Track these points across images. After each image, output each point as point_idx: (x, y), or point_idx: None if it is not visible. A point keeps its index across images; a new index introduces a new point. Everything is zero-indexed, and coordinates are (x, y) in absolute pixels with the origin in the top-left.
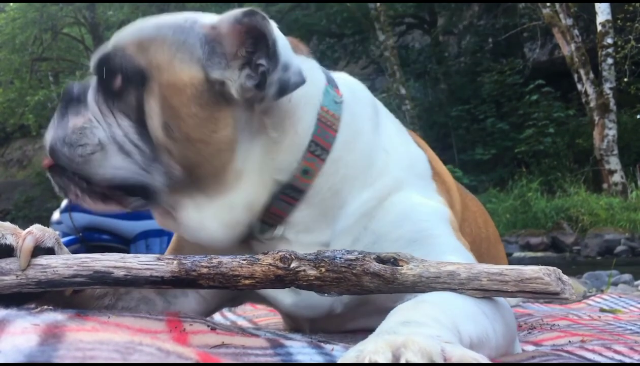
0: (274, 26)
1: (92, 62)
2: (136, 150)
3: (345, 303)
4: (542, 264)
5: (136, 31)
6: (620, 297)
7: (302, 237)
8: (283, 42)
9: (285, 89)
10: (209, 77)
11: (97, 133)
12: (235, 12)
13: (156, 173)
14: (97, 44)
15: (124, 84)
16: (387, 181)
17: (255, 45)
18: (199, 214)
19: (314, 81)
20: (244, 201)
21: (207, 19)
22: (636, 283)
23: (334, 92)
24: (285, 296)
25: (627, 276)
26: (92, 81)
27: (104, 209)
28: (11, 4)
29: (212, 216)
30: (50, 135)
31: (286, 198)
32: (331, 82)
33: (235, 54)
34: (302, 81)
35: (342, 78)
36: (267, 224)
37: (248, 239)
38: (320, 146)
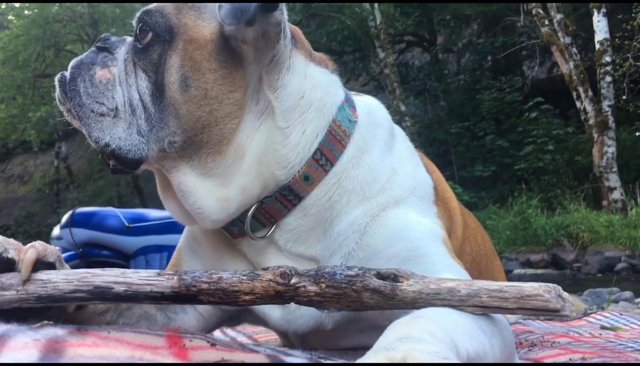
0: None
1: (136, 15)
2: (144, 113)
3: (336, 320)
4: (542, 282)
5: None
6: (621, 315)
7: (291, 246)
8: None
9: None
10: (224, 31)
11: (116, 97)
12: None
13: (152, 142)
14: None
15: (153, 39)
16: (386, 198)
17: None
18: (193, 181)
19: (330, 94)
20: (239, 182)
21: None
22: (637, 300)
23: (349, 111)
24: (273, 310)
25: (627, 294)
26: (128, 39)
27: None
28: (15, 21)
29: (205, 187)
30: (76, 67)
31: (283, 199)
32: (349, 102)
33: None
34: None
35: (364, 101)
36: (259, 222)
37: (237, 235)
38: (325, 156)
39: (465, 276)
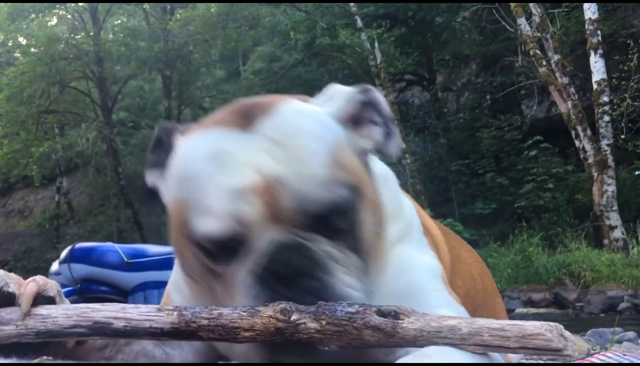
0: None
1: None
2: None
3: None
4: (545, 321)
5: (318, 146)
6: (624, 355)
7: None
8: None
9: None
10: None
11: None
12: (353, 91)
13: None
14: (104, 97)
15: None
16: (394, 231)
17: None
18: None
19: None
20: None
21: (333, 107)
22: None
23: None
24: None
25: (631, 334)
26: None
27: None
28: (21, 58)
29: None
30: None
31: None
32: None
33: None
34: None
35: None
36: None
37: None
38: None
39: (463, 313)
